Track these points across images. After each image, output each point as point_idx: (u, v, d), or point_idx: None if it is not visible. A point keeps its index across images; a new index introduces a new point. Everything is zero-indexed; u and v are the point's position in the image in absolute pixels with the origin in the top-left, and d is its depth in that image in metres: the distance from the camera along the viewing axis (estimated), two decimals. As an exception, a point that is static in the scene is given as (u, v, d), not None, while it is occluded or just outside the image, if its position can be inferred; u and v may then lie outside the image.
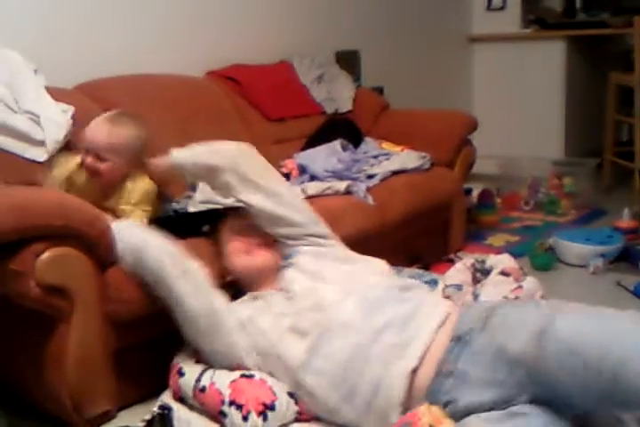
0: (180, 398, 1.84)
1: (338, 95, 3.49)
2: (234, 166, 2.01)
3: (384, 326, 1.65)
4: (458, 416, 1.47)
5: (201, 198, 2.38)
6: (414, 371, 1.57)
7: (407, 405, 1.56)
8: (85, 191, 2.01)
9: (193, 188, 2.43)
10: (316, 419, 1.73)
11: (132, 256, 1.85)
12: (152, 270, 1.83)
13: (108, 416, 1.95)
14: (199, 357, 1.86)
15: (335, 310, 1.73)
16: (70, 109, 2.31)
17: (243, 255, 1.99)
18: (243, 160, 2.04)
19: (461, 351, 1.55)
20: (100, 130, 2.00)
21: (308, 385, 1.68)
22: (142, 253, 1.84)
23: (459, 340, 1.57)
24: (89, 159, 1.99)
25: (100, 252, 1.85)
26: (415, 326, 1.64)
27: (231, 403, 1.69)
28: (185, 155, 2.06)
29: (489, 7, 4.96)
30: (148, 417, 1.74)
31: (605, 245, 3.09)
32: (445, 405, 1.51)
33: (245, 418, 1.66)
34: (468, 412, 1.46)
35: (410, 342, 1.61)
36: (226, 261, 2.01)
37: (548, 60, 4.77)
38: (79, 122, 2.24)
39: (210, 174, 2.04)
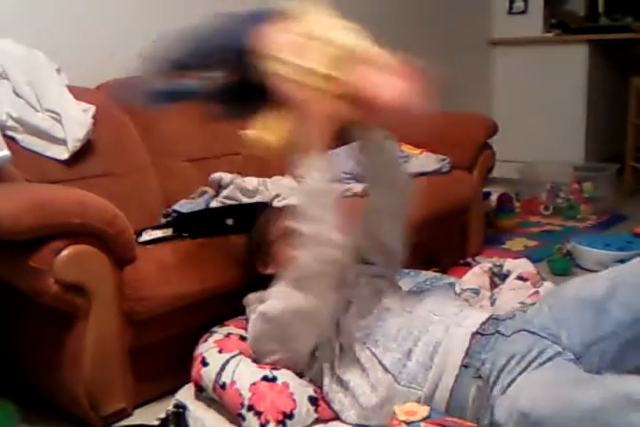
0: (200, 388, 1.83)
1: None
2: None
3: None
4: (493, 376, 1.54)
5: (225, 194, 2.39)
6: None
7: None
8: None
9: (218, 184, 2.45)
10: (335, 418, 1.73)
11: None
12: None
13: (124, 414, 1.96)
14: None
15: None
16: (91, 109, 2.33)
17: None
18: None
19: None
20: None
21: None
22: None
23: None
24: None
25: (118, 250, 1.86)
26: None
27: (250, 408, 1.68)
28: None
29: (510, 11, 4.94)
30: (162, 416, 1.75)
31: (625, 251, 3.05)
32: (482, 364, 1.59)
33: (263, 426, 1.65)
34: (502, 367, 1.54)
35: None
36: (274, 258, 1.96)
37: (570, 64, 4.74)
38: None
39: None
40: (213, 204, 2.38)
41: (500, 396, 1.50)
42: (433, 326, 1.71)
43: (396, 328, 1.73)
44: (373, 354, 1.70)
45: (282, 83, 1.60)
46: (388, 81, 1.58)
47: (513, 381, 1.51)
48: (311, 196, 1.65)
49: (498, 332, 1.68)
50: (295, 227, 1.64)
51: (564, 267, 3.08)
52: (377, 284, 1.93)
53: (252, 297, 1.93)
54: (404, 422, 1.49)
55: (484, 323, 1.71)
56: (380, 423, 1.65)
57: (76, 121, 2.26)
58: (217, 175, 2.50)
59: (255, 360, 1.80)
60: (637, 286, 1.61)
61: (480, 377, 1.58)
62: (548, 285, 2.31)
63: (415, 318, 1.75)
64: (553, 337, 1.61)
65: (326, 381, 1.74)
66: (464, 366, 1.62)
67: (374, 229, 1.99)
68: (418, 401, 1.62)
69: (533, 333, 1.63)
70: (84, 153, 2.30)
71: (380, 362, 1.69)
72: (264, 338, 1.77)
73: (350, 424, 1.70)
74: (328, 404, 1.74)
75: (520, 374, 1.52)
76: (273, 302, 1.74)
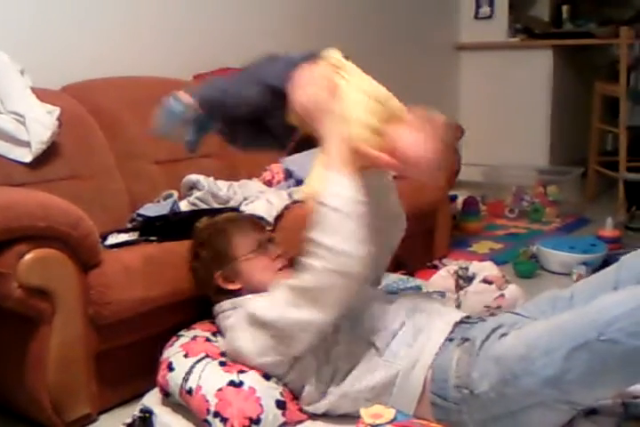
0: (167, 393, 1.82)
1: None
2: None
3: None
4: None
5: (198, 196, 2.38)
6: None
7: None
8: None
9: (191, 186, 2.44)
10: (303, 421, 1.75)
11: None
12: None
13: (89, 420, 1.94)
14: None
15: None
16: (56, 110, 2.30)
17: (270, 273, 1.92)
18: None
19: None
20: None
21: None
22: None
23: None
24: None
25: (83, 254, 1.84)
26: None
27: (216, 414, 1.67)
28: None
29: (477, 16, 4.98)
30: (129, 421, 1.74)
31: (588, 254, 3.10)
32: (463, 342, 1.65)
33: (229, 432, 1.65)
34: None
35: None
36: (245, 270, 1.94)
37: (535, 69, 4.80)
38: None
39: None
40: (183, 205, 2.37)
41: (496, 343, 1.58)
42: (417, 314, 1.77)
43: (382, 313, 1.77)
44: (359, 334, 1.73)
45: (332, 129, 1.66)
46: (418, 140, 1.64)
47: (505, 335, 1.60)
48: (337, 210, 1.60)
49: (482, 320, 1.78)
50: (316, 238, 1.60)
51: (528, 269, 3.11)
52: None
53: (225, 304, 1.92)
54: (371, 424, 1.49)
55: (466, 317, 1.80)
56: (352, 408, 1.67)
57: (41, 123, 2.23)
58: (193, 177, 2.49)
59: (222, 363, 1.79)
60: (591, 288, 1.76)
61: (466, 340, 1.64)
62: (512, 287, 2.33)
63: (400, 307, 1.80)
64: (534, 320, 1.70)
65: (312, 381, 1.74)
66: (449, 339, 1.68)
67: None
68: (395, 376, 1.65)
69: (517, 313, 1.78)
70: (48, 155, 2.27)
71: (368, 339, 1.72)
72: (254, 343, 1.73)
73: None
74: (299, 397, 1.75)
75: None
76: (269, 306, 1.69)
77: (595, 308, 1.48)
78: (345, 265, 1.58)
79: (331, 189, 1.62)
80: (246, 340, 1.73)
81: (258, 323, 1.70)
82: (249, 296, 1.88)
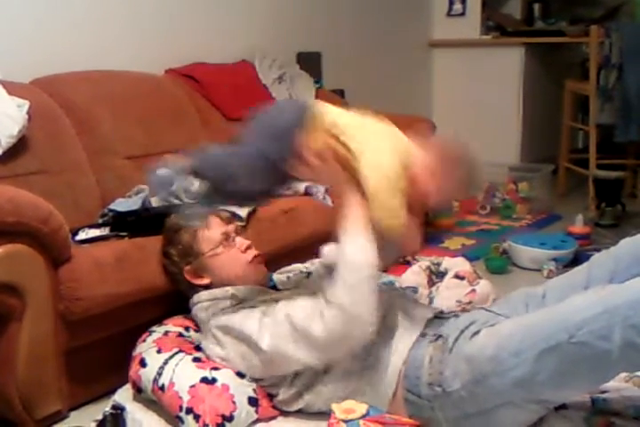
0: (139, 389, 1.81)
1: (298, 96, 3.48)
2: None
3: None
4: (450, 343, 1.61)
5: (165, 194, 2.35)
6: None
7: None
8: None
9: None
10: (276, 417, 1.76)
11: None
12: None
13: (59, 416, 1.92)
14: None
15: None
16: (26, 104, 2.27)
17: (241, 266, 1.93)
18: None
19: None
20: None
21: None
22: None
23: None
24: None
25: (53, 249, 1.82)
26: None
27: (189, 411, 1.67)
28: None
29: (449, 13, 5.00)
30: (100, 417, 1.72)
31: (559, 250, 3.13)
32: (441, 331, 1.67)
33: (202, 429, 1.64)
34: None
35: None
36: (213, 265, 1.92)
37: (507, 66, 4.83)
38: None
39: None
40: (154, 201, 2.34)
41: (468, 342, 1.58)
42: (391, 309, 1.77)
43: None
44: None
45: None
46: (431, 183, 1.63)
47: (477, 333, 1.59)
48: (360, 271, 1.60)
49: (455, 315, 1.78)
50: (334, 293, 1.60)
51: (500, 265, 3.13)
52: None
53: (202, 295, 1.89)
54: (343, 420, 1.49)
55: (439, 312, 1.82)
56: (325, 407, 1.67)
57: (9, 117, 2.20)
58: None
59: (196, 359, 1.78)
60: (563, 287, 1.78)
61: (439, 337, 1.64)
62: (483, 283, 2.35)
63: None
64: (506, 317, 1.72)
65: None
66: (421, 335, 1.69)
67: None
68: (369, 373, 1.66)
69: (489, 311, 1.78)
70: (17, 150, 2.24)
71: None
72: (246, 359, 1.73)
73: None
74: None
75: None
76: (269, 335, 1.67)
77: (565, 309, 1.49)
78: (355, 327, 1.59)
79: (354, 251, 1.62)
80: (235, 355, 1.75)
81: (252, 345, 1.70)
82: (227, 288, 1.87)
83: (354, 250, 1.62)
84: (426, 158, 1.65)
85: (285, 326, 1.65)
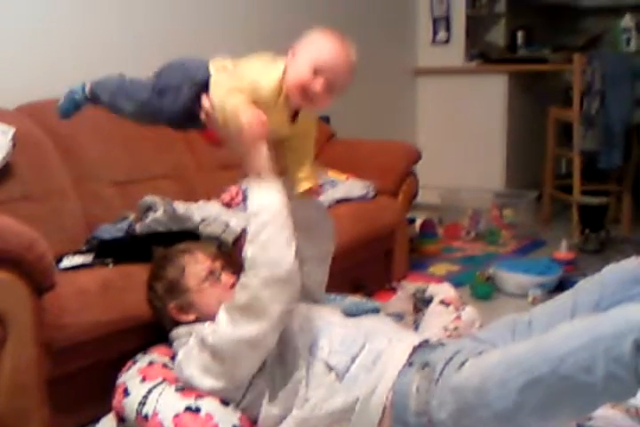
0: (122, 419, 1.79)
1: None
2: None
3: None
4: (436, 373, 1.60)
5: (155, 218, 2.33)
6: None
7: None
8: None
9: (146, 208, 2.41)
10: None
11: None
12: None
13: (41, 446, 1.89)
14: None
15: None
16: (10, 130, 2.27)
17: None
18: None
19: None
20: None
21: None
22: None
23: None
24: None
25: (37, 276, 1.80)
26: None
27: (173, 440, 1.64)
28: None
29: (434, 41, 5.05)
30: (82, 447, 1.70)
31: (544, 276, 3.14)
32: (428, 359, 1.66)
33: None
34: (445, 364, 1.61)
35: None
36: (199, 301, 1.89)
37: (491, 93, 4.87)
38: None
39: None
40: (138, 228, 2.33)
41: (454, 373, 1.57)
42: (377, 337, 1.77)
43: (342, 336, 1.77)
44: (319, 357, 1.73)
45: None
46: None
47: (463, 363, 1.58)
48: (261, 217, 1.63)
49: (441, 344, 1.78)
50: (245, 251, 1.63)
51: (485, 291, 3.14)
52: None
53: (181, 330, 1.88)
54: None
55: (425, 340, 1.80)
56: None
57: (-6, 143, 2.20)
58: (149, 199, 2.45)
59: (180, 388, 1.76)
60: (549, 314, 1.79)
61: (426, 366, 1.64)
62: (469, 309, 2.35)
63: (360, 330, 1.80)
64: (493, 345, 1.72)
65: (264, 402, 1.72)
66: (409, 364, 1.68)
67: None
68: (355, 402, 1.64)
69: (475, 339, 1.78)
70: (1, 176, 2.23)
71: (327, 363, 1.71)
72: (206, 369, 1.72)
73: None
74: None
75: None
76: (218, 332, 1.68)
77: (549, 340, 1.49)
78: (273, 269, 1.60)
79: (258, 200, 1.65)
80: (196, 367, 1.73)
81: (207, 349, 1.69)
82: (206, 324, 1.84)
83: (261, 199, 1.65)
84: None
85: (220, 313, 1.69)
